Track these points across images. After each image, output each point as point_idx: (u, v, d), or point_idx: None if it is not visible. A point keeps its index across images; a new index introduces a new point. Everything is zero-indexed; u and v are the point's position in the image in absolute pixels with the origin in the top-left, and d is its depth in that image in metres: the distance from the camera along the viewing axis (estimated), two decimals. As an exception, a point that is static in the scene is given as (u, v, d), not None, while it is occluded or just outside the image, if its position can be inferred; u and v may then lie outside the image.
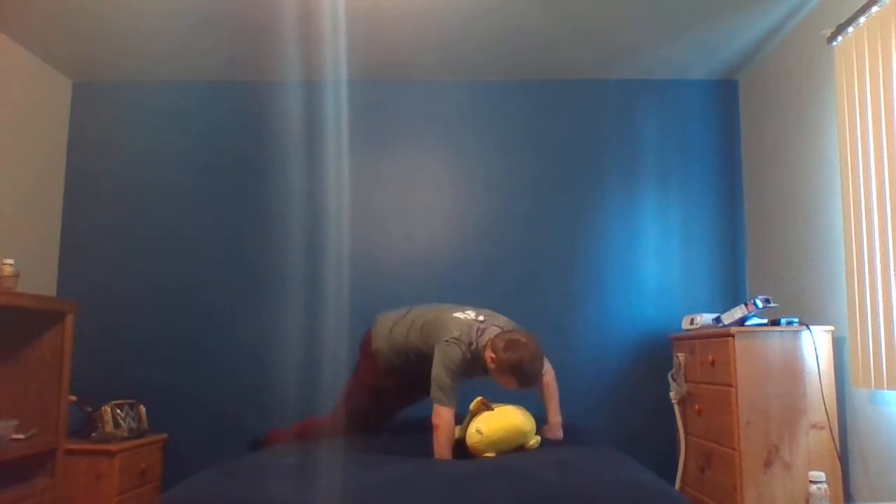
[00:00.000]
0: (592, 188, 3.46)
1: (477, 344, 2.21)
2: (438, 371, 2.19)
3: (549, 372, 2.44)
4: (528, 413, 2.25)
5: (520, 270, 3.38)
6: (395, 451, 2.28)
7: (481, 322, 2.27)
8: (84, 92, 3.54)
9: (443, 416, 2.14)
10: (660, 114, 3.50)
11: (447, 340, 2.20)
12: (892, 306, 2.18)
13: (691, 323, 3.01)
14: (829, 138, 2.69)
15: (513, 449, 2.17)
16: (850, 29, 2.41)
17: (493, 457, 2.12)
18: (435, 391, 2.18)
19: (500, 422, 2.15)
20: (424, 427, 2.59)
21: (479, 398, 2.26)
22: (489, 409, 2.22)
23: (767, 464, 2.44)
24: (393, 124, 3.51)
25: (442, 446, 2.14)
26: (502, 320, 2.35)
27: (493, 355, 2.13)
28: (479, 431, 2.14)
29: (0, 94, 3.03)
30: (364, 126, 3.51)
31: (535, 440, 2.21)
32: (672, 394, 3.03)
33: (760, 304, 2.55)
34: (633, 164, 3.47)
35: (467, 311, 2.33)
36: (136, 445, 2.95)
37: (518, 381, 2.13)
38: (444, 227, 3.43)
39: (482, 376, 2.27)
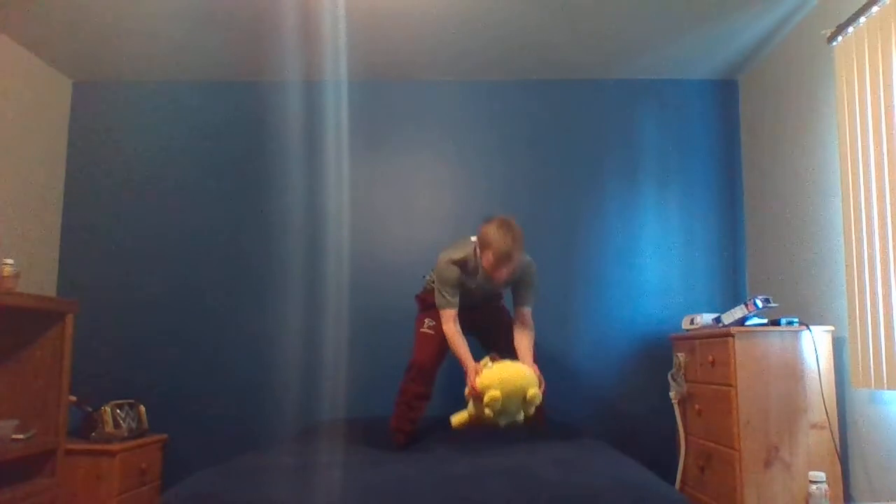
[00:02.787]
0: (592, 188, 3.46)
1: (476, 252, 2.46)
2: (436, 290, 2.50)
3: (528, 323, 2.59)
4: (532, 370, 2.39)
5: (520, 270, 3.38)
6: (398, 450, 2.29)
7: None
8: (84, 92, 3.54)
9: (447, 320, 2.46)
10: (660, 114, 3.50)
11: (443, 261, 2.48)
12: (892, 306, 2.18)
13: (691, 323, 3.01)
14: (829, 138, 2.69)
15: (516, 391, 2.27)
16: (850, 29, 2.41)
17: (497, 396, 2.21)
18: (437, 300, 2.51)
19: (508, 365, 2.35)
20: (425, 428, 2.60)
21: (487, 356, 2.42)
22: (499, 361, 2.41)
23: (767, 464, 2.44)
24: (393, 124, 3.51)
25: (449, 339, 2.45)
26: None
27: (482, 231, 2.37)
28: (492, 360, 2.35)
29: (0, 94, 3.03)
30: (364, 126, 3.50)
31: (534, 391, 2.31)
32: (672, 394, 3.03)
33: (760, 304, 2.55)
34: (633, 164, 3.47)
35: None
36: (136, 445, 2.95)
37: (495, 259, 2.32)
38: (444, 227, 3.42)
39: (483, 279, 2.49)
